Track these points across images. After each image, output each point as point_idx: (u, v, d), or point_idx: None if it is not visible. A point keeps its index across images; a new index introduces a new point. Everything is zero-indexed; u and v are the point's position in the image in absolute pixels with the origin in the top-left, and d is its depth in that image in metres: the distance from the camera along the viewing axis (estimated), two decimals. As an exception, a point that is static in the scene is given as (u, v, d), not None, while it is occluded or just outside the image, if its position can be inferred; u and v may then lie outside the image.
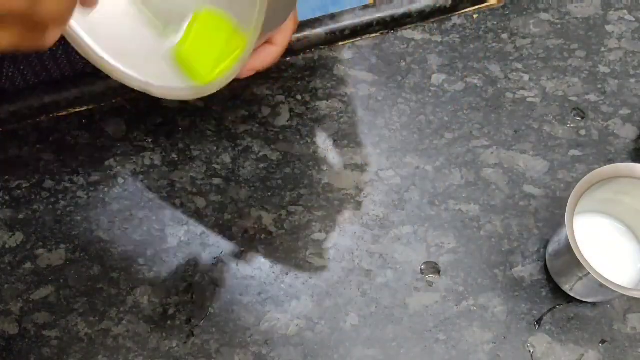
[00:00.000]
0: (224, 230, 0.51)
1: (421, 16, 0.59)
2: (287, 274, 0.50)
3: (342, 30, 0.57)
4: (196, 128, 0.55)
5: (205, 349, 0.48)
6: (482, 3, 0.60)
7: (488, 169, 0.53)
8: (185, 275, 0.50)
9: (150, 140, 0.54)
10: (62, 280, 0.50)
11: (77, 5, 0.35)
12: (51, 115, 0.55)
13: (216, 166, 0.53)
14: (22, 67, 0.55)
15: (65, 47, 0.53)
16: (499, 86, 0.56)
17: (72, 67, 0.56)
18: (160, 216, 0.52)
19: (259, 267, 0.50)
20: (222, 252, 0.50)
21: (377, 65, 0.57)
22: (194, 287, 0.49)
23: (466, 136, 0.54)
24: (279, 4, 0.38)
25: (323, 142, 0.54)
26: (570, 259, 0.43)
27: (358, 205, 0.52)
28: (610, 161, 0.53)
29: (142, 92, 0.56)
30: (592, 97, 0.56)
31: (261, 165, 0.53)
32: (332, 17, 0.57)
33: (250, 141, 0.54)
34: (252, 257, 0.50)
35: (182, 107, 0.55)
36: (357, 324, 0.48)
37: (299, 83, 0.56)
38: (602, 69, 0.57)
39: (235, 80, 0.56)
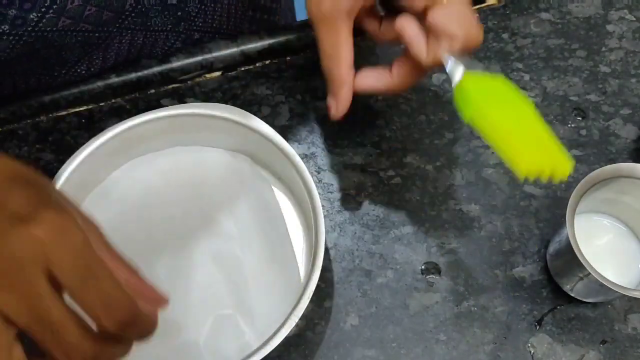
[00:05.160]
0: (223, 230, 0.51)
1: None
2: (287, 274, 0.50)
3: (342, 30, 0.57)
4: (196, 128, 0.54)
5: (205, 349, 0.48)
6: (483, 2, 0.60)
7: (488, 168, 0.53)
8: (185, 276, 0.50)
9: (150, 140, 0.54)
10: (61, 281, 0.49)
11: None
12: (51, 115, 0.55)
13: (216, 166, 0.53)
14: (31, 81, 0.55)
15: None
16: (499, 86, 0.56)
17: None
18: (160, 216, 0.51)
19: (259, 267, 0.50)
20: (222, 252, 0.50)
21: (377, 64, 0.57)
22: (194, 288, 0.49)
23: (467, 136, 0.54)
24: None
25: (323, 142, 0.54)
26: (571, 259, 0.43)
27: (358, 205, 0.52)
28: (611, 161, 0.53)
29: (141, 92, 0.56)
30: (593, 97, 0.56)
31: (261, 165, 0.53)
32: (332, 16, 0.57)
33: (250, 141, 0.54)
34: (252, 257, 0.50)
35: (182, 107, 0.55)
36: (357, 324, 0.48)
37: (299, 83, 0.56)
38: (603, 68, 0.57)
39: (235, 80, 0.57)
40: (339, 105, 0.41)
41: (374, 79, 0.43)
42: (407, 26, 0.40)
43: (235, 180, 0.49)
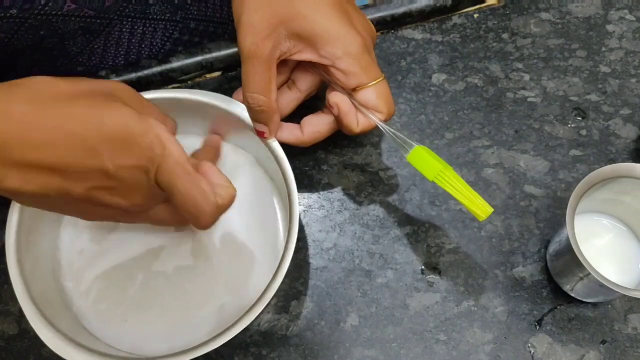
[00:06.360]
0: (223, 230, 0.51)
1: (421, 16, 0.59)
2: (286, 274, 0.50)
3: (342, 30, 0.57)
4: (196, 128, 0.54)
5: (205, 349, 0.48)
6: (483, 2, 0.60)
7: (489, 168, 0.53)
8: (185, 276, 0.50)
9: (150, 140, 0.54)
10: (61, 281, 0.49)
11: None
12: (51, 115, 0.55)
13: (216, 166, 0.53)
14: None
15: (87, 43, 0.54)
16: (499, 86, 0.56)
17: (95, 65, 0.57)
18: (160, 216, 0.52)
19: (259, 267, 0.50)
20: (222, 252, 0.50)
21: (378, 64, 0.57)
22: (194, 288, 0.49)
23: (467, 136, 0.54)
24: None
25: (323, 142, 0.53)
26: (571, 259, 0.43)
27: (358, 205, 0.52)
28: (611, 161, 0.53)
29: (141, 92, 0.56)
30: (593, 97, 0.56)
31: (261, 165, 0.53)
32: (332, 16, 0.57)
33: (250, 141, 0.54)
34: (252, 257, 0.50)
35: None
36: (357, 324, 0.48)
37: (299, 83, 0.56)
38: (603, 68, 0.57)
39: (235, 80, 0.56)
40: (272, 130, 0.46)
41: (287, 132, 0.48)
42: (340, 102, 0.46)
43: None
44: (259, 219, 0.49)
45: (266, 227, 0.49)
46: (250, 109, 0.45)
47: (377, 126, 0.47)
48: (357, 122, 0.46)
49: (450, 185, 0.44)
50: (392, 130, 0.47)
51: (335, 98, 0.46)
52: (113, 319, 0.46)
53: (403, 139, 0.46)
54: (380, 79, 0.46)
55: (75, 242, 0.48)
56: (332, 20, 0.43)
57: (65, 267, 0.48)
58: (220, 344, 0.40)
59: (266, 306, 0.41)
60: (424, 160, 0.45)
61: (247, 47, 0.43)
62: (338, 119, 0.47)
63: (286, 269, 0.42)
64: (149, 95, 0.46)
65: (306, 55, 0.45)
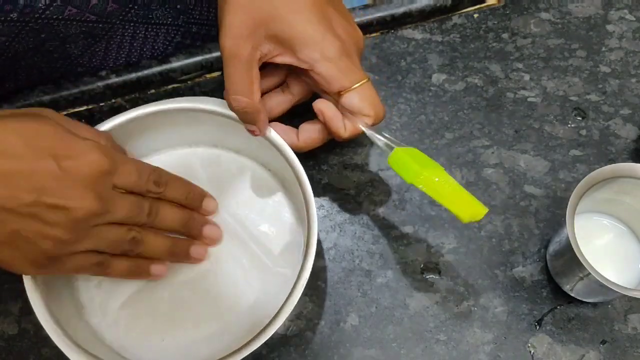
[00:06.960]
0: (223, 230, 0.51)
1: (421, 16, 0.59)
2: (287, 274, 0.50)
3: (342, 30, 0.57)
4: (196, 128, 0.54)
5: (205, 349, 0.48)
6: (483, 2, 0.60)
7: (488, 168, 0.53)
8: (185, 276, 0.50)
9: (150, 140, 0.54)
10: (61, 281, 0.49)
11: None
12: (51, 115, 0.55)
13: (216, 166, 0.53)
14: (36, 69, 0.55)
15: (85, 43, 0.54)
16: (499, 86, 0.56)
17: (90, 64, 0.57)
18: (160, 216, 0.51)
19: (259, 267, 0.50)
20: (222, 252, 0.50)
21: (377, 64, 0.57)
22: (194, 287, 0.49)
23: (467, 136, 0.54)
24: None
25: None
26: (571, 259, 0.43)
27: (358, 205, 0.52)
28: (611, 161, 0.53)
29: (141, 92, 0.56)
30: (593, 97, 0.56)
31: (261, 165, 0.53)
32: (332, 16, 0.57)
33: (250, 141, 0.54)
34: (252, 257, 0.50)
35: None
36: (357, 324, 0.48)
37: (299, 83, 0.56)
38: (603, 68, 0.57)
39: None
40: (261, 128, 0.46)
41: (283, 135, 0.48)
42: (325, 108, 0.46)
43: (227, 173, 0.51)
44: (268, 213, 0.49)
45: (276, 220, 0.49)
46: (235, 111, 0.45)
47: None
48: (344, 127, 0.46)
49: (430, 188, 0.43)
50: (376, 134, 0.46)
51: (320, 104, 0.46)
52: (150, 342, 0.46)
53: (388, 144, 0.46)
54: (363, 81, 0.45)
55: (90, 277, 0.47)
56: (310, 24, 0.43)
57: (87, 305, 0.47)
58: (264, 341, 0.40)
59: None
60: (403, 163, 0.44)
61: (227, 48, 0.43)
62: (325, 125, 0.47)
63: (312, 262, 0.42)
64: (140, 111, 0.47)
65: (286, 59, 0.45)
